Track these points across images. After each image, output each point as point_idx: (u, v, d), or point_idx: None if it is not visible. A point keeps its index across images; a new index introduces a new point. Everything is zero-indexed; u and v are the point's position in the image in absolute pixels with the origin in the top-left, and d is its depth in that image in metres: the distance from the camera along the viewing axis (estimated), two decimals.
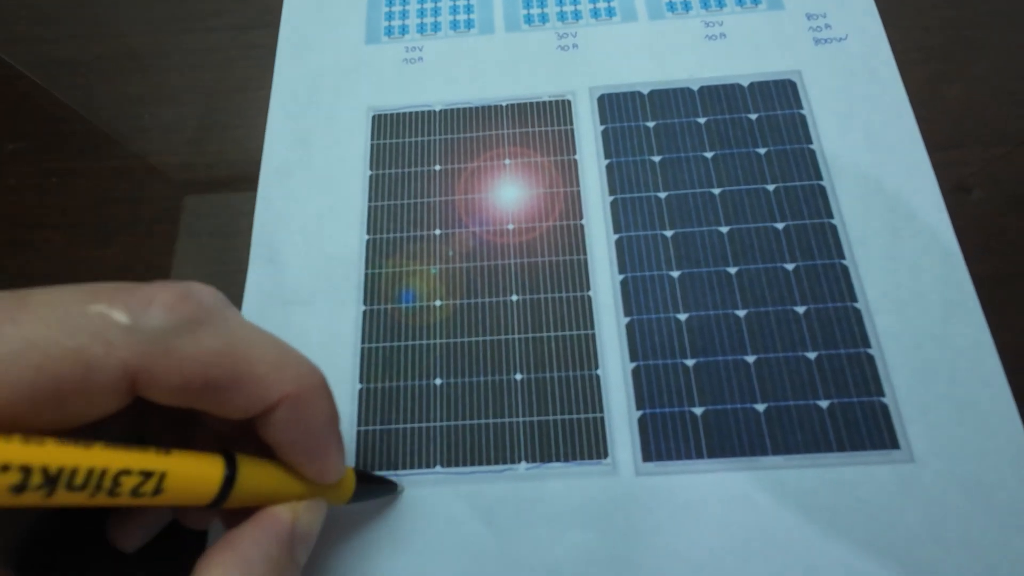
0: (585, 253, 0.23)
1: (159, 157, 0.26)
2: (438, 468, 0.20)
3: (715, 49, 0.26)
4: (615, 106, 0.25)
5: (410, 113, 0.25)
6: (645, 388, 0.21)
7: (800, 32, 0.26)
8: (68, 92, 0.28)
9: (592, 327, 0.21)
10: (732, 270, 0.22)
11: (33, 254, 0.25)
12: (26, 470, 0.10)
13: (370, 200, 0.24)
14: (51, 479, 0.10)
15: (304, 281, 0.23)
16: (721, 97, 0.25)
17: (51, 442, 0.11)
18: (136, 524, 0.17)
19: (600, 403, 0.20)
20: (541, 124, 0.25)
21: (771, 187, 0.23)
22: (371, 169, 0.25)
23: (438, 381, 0.21)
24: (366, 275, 0.23)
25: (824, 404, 0.20)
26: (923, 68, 0.25)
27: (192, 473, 0.13)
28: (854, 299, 0.21)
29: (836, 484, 0.19)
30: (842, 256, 0.22)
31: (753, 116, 0.24)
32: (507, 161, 0.24)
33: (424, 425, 0.21)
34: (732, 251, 0.22)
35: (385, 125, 0.25)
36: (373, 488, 0.19)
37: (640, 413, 0.20)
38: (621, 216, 0.23)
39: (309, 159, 0.25)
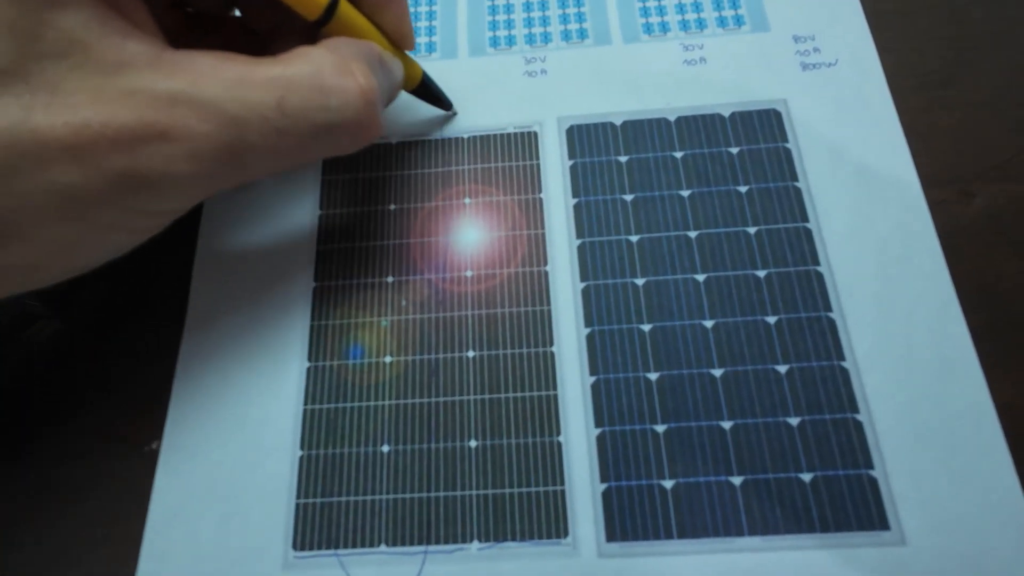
0: (549, 303, 0.21)
1: None
2: (383, 547, 0.18)
3: (694, 75, 0.24)
4: (585, 138, 0.23)
5: None
6: (611, 457, 0.19)
7: (787, 56, 0.24)
8: None
9: (554, 387, 0.20)
10: (708, 323, 0.20)
11: None
12: None
13: (319, 243, 0.22)
14: None
15: (246, 331, 0.21)
16: (700, 128, 0.23)
17: None
18: None
19: (561, 474, 0.19)
20: (505, 159, 0.23)
21: (752, 230, 0.21)
22: (321, 208, 0.23)
23: (385, 448, 0.19)
24: (312, 327, 0.21)
25: (807, 477, 0.18)
26: (919, 96, 0.23)
27: None
28: (841, 357, 0.19)
29: (819, 570, 0.17)
30: (829, 308, 0.20)
31: (734, 150, 0.22)
32: (467, 200, 0.22)
33: (369, 498, 0.19)
34: (709, 302, 0.20)
35: (337, 160, 0.23)
36: (433, 92, 0.22)
37: (605, 486, 0.18)
38: (589, 262, 0.21)
39: (256, 196, 0.23)
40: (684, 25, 0.25)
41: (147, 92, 0.13)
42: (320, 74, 0.15)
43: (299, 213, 0.23)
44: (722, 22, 0.25)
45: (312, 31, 0.17)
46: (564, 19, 0.25)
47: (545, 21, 0.25)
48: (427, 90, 0.22)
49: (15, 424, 0.20)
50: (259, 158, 0.15)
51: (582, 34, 0.25)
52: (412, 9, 0.26)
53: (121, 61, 0.13)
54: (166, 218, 0.16)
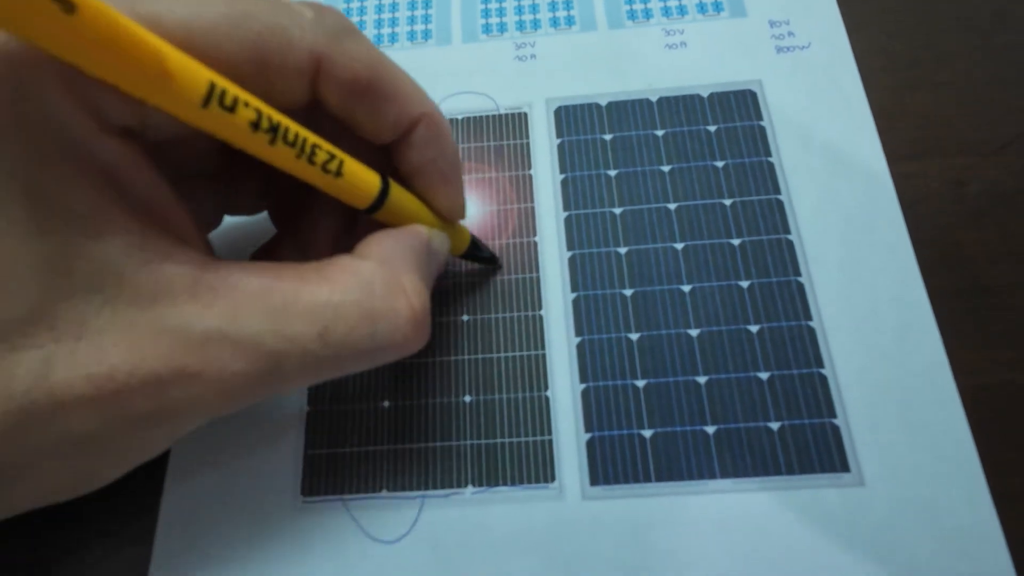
0: (538, 271, 0.22)
1: None
2: (384, 492, 0.20)
3: (675, 58, 0.25)
4: (572, 118, 0.25)
5: None
6: (594, 410, 0.20)
7: (762, 40, 0.25)
8: None
9: (543, 347, 0.21)
10: (686, 288, 0.22)
11: None
12: (259, 112, 0.12)
13: None
14: (274, 127, 0.13)
15: None
16: (680, 108, 0.24)
17: (268, 106, 0.13)
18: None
19: (549, 426, 0.20)
20: (496, 138, 0.24)
21: (728, 202, 0.23)
22: None
23: (386, 404, 0.21)
24: None
25: (775, 426, 0.20)
26: (887, 76, 0.25)
27: (360, 172, 0.15)
28: (809, 318, 0.21)
29: (785, 507, 0.19)
30: (798, 273, 0.22)
31: (712, 128, 0.24)
32: None
33: (371, 449, 0.20)
34: (687, 269, 0.22)
35: None
36: (481, 253, 0.21)
37: (588, 436, 0.20)
38: (575, 233, 0.23)
39: None
40: (666, 11, 0.26)
41: (181, 331, 0.12)
42: (370, 298, 0.14)
43: None
44: (702, 8, 0.26)
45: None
46: (552, 6, 0.27)
47: (534, 8, 0.27)
48: (474, 252, 0.21)
49: None
50: (293, 382, 0.14)
51: (569, 21, 0.26)
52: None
53: (157, 291, 0.12)
54: (182, 437, 0.15)
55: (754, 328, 0.21)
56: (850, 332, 0.21)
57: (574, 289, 0.22)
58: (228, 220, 0.21)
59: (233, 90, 0.12)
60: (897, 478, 0.19)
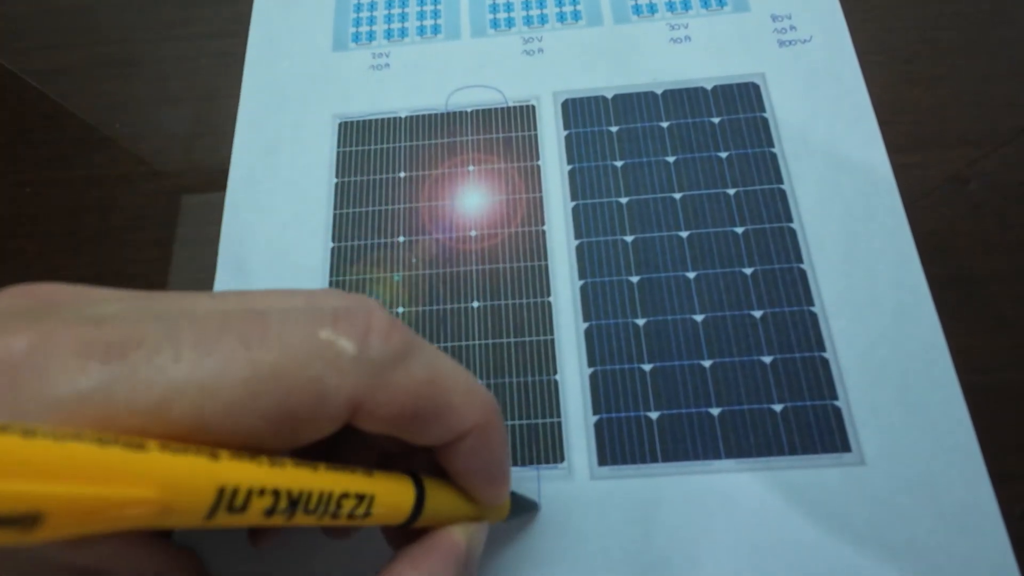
0: (546, 259, 0.23)
1: (129, 166, 0.27)
2: None
3: (680, 52, 0.26)
4: (579, 111, 0.25)
5: (376, 120, 0.26)
6: (602, 392, 0.21)
7: (765, 34, 0.26)
8: (38, 103, 0.28)
9: (552, 333, 0.22)
10: (691, 275, 0.22)
11: (7, 264, 0.25)
12: (276, 497, 0.10)
13: (335, 208, 0.24)
14: (293, 502, 0.11)
15: (271, 286, 0.23)
16: (684, 101, 0.25)
17: (289, 464, 0.11)
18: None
19: (558, 408, 0.21)
20: (505, 130, 0.25)
21: (732, 191, 0.23)
22: (337, 177, 0.25)
23: None
24: (331, 282, 0.23)
25: (778, 408, 0.20)
26: (887, 70, 0.25)
27: (392, 496, 0.13)
28: (810, 303, 0.21)
29: (787, 487, 0.19)
30: (800, 260, 0.22)
31: (716, 120, 0.24)
32: (471, 168, 0.24)
33: None
34: (691, 256, 0.22)
35: (351, 132, 0.25)
36: (521, 506, 0.19)
37: (596, 418, 0.21)
38: (582, 222, 0.23)
39: (276, 167, 0.25)
40: (670, 6, 0.27)
41: None
42: None
43: (317, 181, 0.25)
44: (705, 3, 0.27)
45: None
46: (559, 2, 0.27)
47: (541, 3, 0.27)
48: (515, 510, 0.19)
49: None
50: None
51: (576, 16, 0.27)
52: None
53: None
54: None
55: (757, 313, 0.21)
56: (851, 316, 0.21)
57: (582, 276, 0.22)
58: None
59: (246, 485, 0.10)
60: (897, 458, 0.19)
